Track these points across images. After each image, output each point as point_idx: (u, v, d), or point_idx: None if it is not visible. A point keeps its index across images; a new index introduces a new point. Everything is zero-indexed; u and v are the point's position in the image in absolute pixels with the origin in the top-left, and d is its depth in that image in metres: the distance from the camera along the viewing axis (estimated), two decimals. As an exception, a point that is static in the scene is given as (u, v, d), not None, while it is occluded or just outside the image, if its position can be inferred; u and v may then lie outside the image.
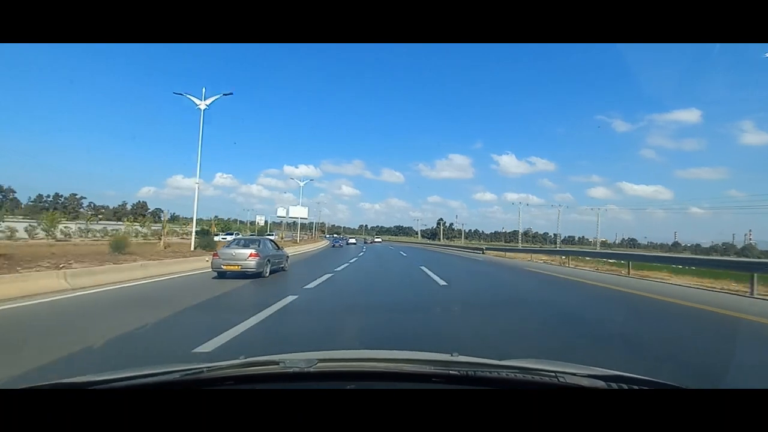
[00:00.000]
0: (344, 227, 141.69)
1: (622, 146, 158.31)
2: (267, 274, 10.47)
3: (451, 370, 1.18)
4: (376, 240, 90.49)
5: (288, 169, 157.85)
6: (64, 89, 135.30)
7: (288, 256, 13.04)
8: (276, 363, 1.22)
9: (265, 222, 73.63)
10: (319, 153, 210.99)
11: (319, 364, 1.16)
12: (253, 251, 10.22)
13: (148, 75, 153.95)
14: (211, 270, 10.31)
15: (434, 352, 1.57)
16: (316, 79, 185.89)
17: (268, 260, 10.68)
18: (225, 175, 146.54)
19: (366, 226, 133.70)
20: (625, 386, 1.04)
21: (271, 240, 13.08)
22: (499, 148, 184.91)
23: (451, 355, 1.37)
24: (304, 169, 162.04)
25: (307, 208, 66.12)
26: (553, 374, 1.10)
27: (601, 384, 1.04)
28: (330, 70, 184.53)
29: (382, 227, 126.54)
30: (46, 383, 1.02)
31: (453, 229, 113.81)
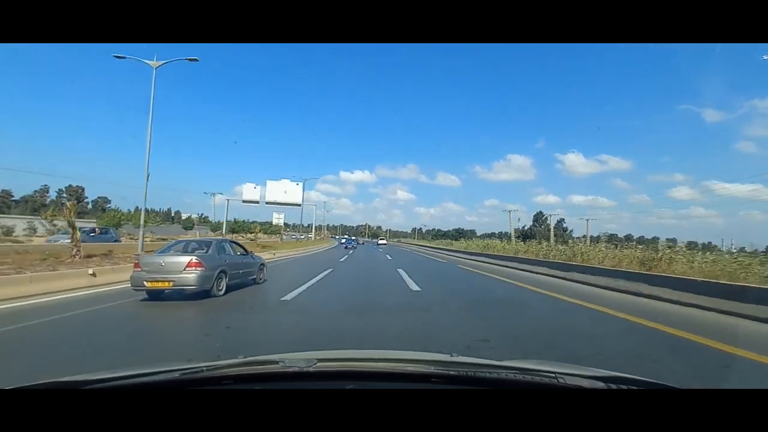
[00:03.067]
0: (398, 231, 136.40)
1: (713, 139, 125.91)
2: (220, 293, 7.47)
3: (451, 370, 1.17)
4: (380, 243, 62.35)
5: (344, 175, 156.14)
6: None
7: (264, 264, 10.13)
8: (275, 362, 1.23)
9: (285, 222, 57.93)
10: (374, 158, 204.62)
11: (318, 364, 1.15)
12: (193, 259, 7.07)
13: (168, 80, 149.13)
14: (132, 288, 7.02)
15: (433, 353, 1.53)
16: (370, 82, 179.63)
17: (222, 272, 7.63)
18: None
19: (420, 229, 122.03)
20: (624, 387, 1.04)
21: (235, 243, 9.79)
22: (563, 146, 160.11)
23: (451, 356, 1.36)
24: (359, 175, 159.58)
25: (301, 184, 46.32)
26: (553, 375, 1.09)
27: (600, 385, 1.04)
28: (383, 73, 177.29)
29: (439, 231, 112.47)
30: (41, 382, 1.01)
31: (563, 228, 64.96)
